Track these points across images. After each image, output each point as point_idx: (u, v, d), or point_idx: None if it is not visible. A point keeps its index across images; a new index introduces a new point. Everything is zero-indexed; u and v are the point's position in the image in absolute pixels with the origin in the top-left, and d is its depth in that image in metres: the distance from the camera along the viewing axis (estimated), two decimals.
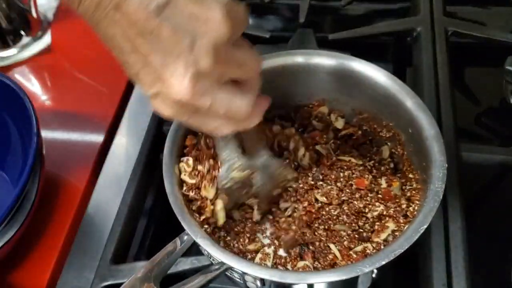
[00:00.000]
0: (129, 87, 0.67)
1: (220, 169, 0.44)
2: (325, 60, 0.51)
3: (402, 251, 0.38)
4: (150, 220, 0.58)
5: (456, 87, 0.61)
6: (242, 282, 0.43)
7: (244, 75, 0.34)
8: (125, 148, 0.61)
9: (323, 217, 0.46)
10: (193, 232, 0.40)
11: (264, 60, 0.52)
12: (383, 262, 0.37)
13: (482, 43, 0.66)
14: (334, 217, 0.46)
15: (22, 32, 0.71)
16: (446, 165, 0.42)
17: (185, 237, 0.42)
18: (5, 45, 0.70)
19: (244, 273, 0.40)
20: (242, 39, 0.34)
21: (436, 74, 0.60)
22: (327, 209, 0.46)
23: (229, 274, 0.44)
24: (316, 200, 0.47)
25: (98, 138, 0.62)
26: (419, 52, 0.63)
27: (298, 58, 0.52)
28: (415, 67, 0.63)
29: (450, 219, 0.48)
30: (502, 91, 0.60)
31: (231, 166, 0.44)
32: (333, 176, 0.48)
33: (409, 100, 0.47)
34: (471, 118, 0.64)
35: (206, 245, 0.40)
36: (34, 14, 0.70)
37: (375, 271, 0.39)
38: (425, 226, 0.39)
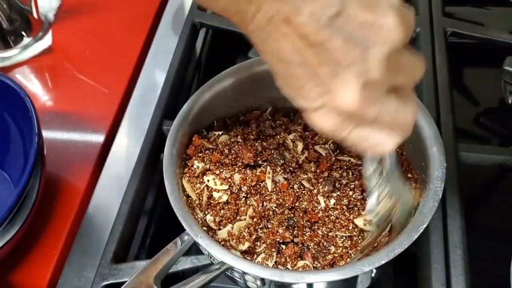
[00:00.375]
0: (130, 88, 0.67)
1: (368, 200, 0.42)
2: None
3: (402, 250, 0.38)
4: (150, 220, 0.58)
5: (455, 88, 0.61)
6: (242, 281, 0.43)
7: (410, 81, 0.32)
8: (125, 148, 0.61)
9: (323, 218, 0.46)
10: (193, 232, 0.40)
11: (263, 63, 0.52)
12: (383, 262, 0.37)
13: (481, 43, 0.66)
14: (333, 218, 0.46)
15: (23, 33, 0.71)
16: (445, 165, 0.43)
17: (186, 237, 0.42)
18: (6, 46, 0.71)
19: (245, 273, 0.40)
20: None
21: (435, 74, 0.60)
22: (326, 210, 0.47)
23: (229, 274, 0.44)
24: (317, 201, 0.47)
25: (98, 138, 0.62)
26: (418, 53, 0.63)
27: None
28: None
29: (449, 219, 0.48)
30: (501, 92, 0.60)
31: (380, 194, 0.41)
32: (332, 176, 0.49)
33: None
34: (470, 119, 0.64)
35: (207, 245, 0.40)
36: (35, 15, 0.70)
37: (375, 270, 0.39)
38: (424, 226, 0.39)
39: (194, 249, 0.48)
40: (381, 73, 0.29)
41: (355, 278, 0.40)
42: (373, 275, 0.43)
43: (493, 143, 0.63)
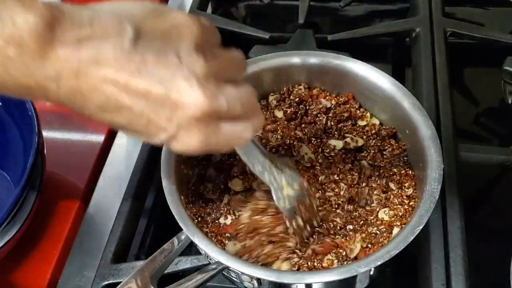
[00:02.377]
0: None
1: (273, 194, 0.43)
2: (321, 60, 0.52)
3: (398, 251, 0.38)
4: (150, 220, 0.58)
5: (455, 88, 0.61)
6: (239, 281, 0.43)
7: (238, 73, 0.34)
8: (125, 148, 0.61)
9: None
10: (190, 232, 0.41)
11: (263, 61, 0.52)
12: (378, 263, 0.38)
13: (481, 43, 0.66)
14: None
15: None
16: (443, 166, 0.43)
17: (183, 237, 0.42)
18: None
19: (241, 273, 0.40)
20: (223, 47, 0.35)
21: (435, 74, 0.60)
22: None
23: (226, 274, 0.44)
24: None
25: (98, 138, 0.62)
26: (418, 53, 0.63)
27: (295, 59, 0.52)
28: (414, 67, 0.63)
29: (449, 219, 0.48)
30: (501, 92, 0.60)
31: (281, 186, 0.43)
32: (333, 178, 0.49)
33: (405, 101, 0.47)
34: (470, 119, 0.64)
35: (203, 245, 0.40)
36: None
37: (373, 270, 0.39)
38: (421, 227, 0.39)
39: (194, 249, 0.48)
40: (202, 64, 0.30)
41: (353, 278, 0.40)
42: (371, 274, 0.43)
43: (493, 143, 0.63)
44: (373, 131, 0.51)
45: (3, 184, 0.56)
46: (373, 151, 0.50)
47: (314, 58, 0.52)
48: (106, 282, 0.48)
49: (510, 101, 0.60)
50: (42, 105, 0.65)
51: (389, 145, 0.50)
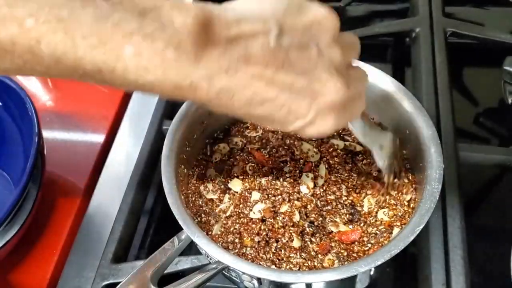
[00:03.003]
0: None
1: (374, 155, 0.45)
2: None
3: (398, 251, 0.38)
4: (150, 220, 0.58)
5: (455, 88, 0.61)
6: (239, 281, 0.43)
7: (356, 54, 0.36)
8: (125, 148, 0.61)
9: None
10: (190, 231, 0.41)
11: None
12: (379, 262, 0.38)
13: (480, 43, 0.66)
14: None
15: None
16: (443, 166, 0.43)
17: (183, 236, 0.42)
18: None
19: (241, 272, 0.40)
20: None
21: (435, 74, 0.60)
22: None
23: (226, 273, 0.44)
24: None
25: (98, 138, 0.62)
26: (418, 53, 0.63)
27: None
28: (414, 67, 0.63)
29: (449, 219, 0.48)
30: (500, 92, 0.60)
31: (381, 146, 0.45)
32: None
33: (406, 101, 0.47)
34: (469, 119, 0.64)
35: (203, 244, 0.40)
36: None
37: (373, 269, 0.39)
38: (421, 227, 0.39)
39: (194, 249, 0.48)
40: (340, 55, 0.32)
41: (354, 277, 0.40)
42: (371, 273, 0.43)
43: (492, 143, 0.63)
44: None
45: (3, 184, 0.56)
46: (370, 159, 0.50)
47: None
48: (106, 282, 0.48)
49: (510, 101, 0.60)
50: (42, 105, 0.65)
51: None
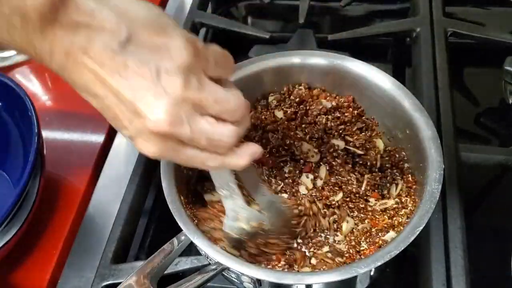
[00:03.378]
0: None
1: (225, 219, 0.43)
2: (321, 60, 0.51)
3: (398, 252, 0.38)
4: (150, 220, 0.58)
5: (455, 88, 0.61)
6: (238, 282, 0.43)
7: (225, 114, 0.34)
8: (125, 148, 0.61)
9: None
10: (190, 233, 0.40)
11: (263, 61, 0.52)
12: (378, 263, 0.38)
13: (481, 43, 0.66)
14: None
15: None
16: (443, 167, 0.43)
17: (183, 237, 0.42)
18: None
19: (241, 274, 0.40)
20: (230, 83, 0.35)
21: (436, 74, 0.60)
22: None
23: (226, 274, 0.44)
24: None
25: (98, 138, 0.62)
26: (419, 53, 0.63)
27: (295, 59, 0.52)
28: (415, 67, 0.63)
29: (450, 219, 0.48)
30: (501, 92, 0.60)
31: (237, 216, 0.43)
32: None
33: (406, 101, 0.47)
34: (470, 119, 0.64)
35: (203, 246, 0.40)
36: None
37: (374, 270, 0.39)
38: (421, 228, 0.39)
39: (194, 250, 0.48)
40: (179, 89, 0.31)
41: (354, 278, 0.40)
42: (372, 274, 0.43)
43: (493, 143, 0.63)
44: (377, 152, 0.50)
45: (3, 184, 0.56)
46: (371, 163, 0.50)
47: (314, 58, 0.52)
48: (106, 283, 0.48)
49: (510, 101, 0.60)
50: (42, 105, 0.65)
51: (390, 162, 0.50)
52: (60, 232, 0.54)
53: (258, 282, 0.41)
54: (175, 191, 0.44)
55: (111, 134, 0.62)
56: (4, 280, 0.51)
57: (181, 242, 0.42)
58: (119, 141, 0.62)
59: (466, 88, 0.68)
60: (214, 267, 0.41)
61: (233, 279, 0.44)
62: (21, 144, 0.54)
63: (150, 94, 0.31)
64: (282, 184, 0.48)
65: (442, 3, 0.68)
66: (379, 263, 0.38)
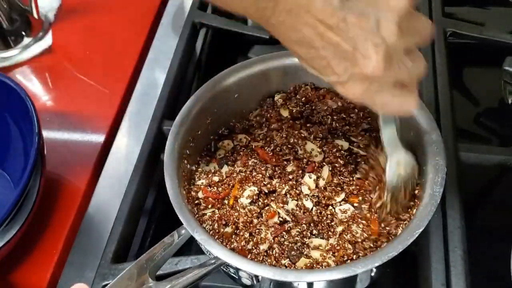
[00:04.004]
0: (130, 88, 0.67)
1: (387, 165, 0.44)
2: None
3: (396, 253, 0.38)
4: (150, 220, 0.58)
5: (455, 88, 0.61)
6: (237, 277, 0.43)
7: (422, 41, 0.35)
8: (125, 148, 0.61)
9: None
10: (190, 227, 0.41)
11: (271, 60, 0.52)
12: (376, 264, 0.38)
13: (480, 43, 0.66)
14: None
15: (23, 33, 0.71)
16: (446, 170, 0.43)
17: (183, 231, 0.42)
18: (7, 46, 0.71)
19: (239, 269, 0.40)
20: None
21: (435, 74, 0.60)
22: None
23: (225, 269, 0.44)
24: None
25: (99, 138, 0.62)
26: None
27: (295, 59, 0.52)
28: None
29: (449, 219, 0.48)
30: (500, 92, 0.60)
31: (398, 161, 0.44)
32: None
33: None
34: (470, 118, 0.64)
35: (202, 240, 0.40)
36: (35, 15, 0.70)
37: (374, 270, 0.39)
38: (421, 230, 0.39)
39: (194, 249, 0.48)
40: (396, 39, 0.32)
41: (354, 278, 0.40)
42: (372, 274, 0.43)
43: (493, 143, 0.63)
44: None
45: (4, 184, 0.56)
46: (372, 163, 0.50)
47: None
48: (106, 282, 0.48)
49: (510, 101, 0.60)
50: (42, 105, 0.65)
51: None
52: (60, 232, 0.54)
53: (256, 278, 0.41)
54: (177, 186, 0.44)
55: (111, 134, 0.62)
56: (4, 280, 0.51)
57: (181, 236, 0.42)
58: (119, 141, 0.62)
59: (465, 88, 0.68)
60: (213, 261, 0.41)
61: (232, 274, 0.44)
62: (22, 144, 0.54)
63: (369, 44, 0.32)
64: (285, 185, 0.48)
65: (441, 3, 0.68)
66: (376, 264, 0.38)
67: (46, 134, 0.60)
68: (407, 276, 0.51)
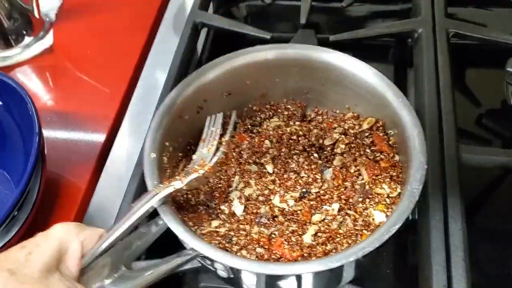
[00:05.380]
0: (131, 87, 0.67)
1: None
2: (317, 54, 0.52)
3: (371, 249, 0.38)
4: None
5: (457, 89, 0.61)
6: (213, 269, 0.43)
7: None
8: (126, 148, 0.61)
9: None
10: (167, 218, 0.41)
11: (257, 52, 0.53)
12: (351, 259, 0.38)
13: (483, 44, 0.66)
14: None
15: (24, 32, 0.71)
16: (426, 167, 0.42)
17: (160, 222, 0.42)
18: (7, 45, 0.71)
19: (213, 260, 0.40)
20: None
21: (437, 75, 0.60)
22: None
23: (202, 261, 0.44)
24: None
25: (99, 138, 0.62)
26: (420, 54, 0.63)
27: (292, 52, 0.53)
28: (416, 68, 0.63)
29: (450, 220, 0.48)
30: (503, 93, 0.60)
31: None
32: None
33: (396, 100, 0.47)
34: (472, 120, 0.64)
35: (179, 232, 0.40)
36: (36, 14, 0.70)
37: (358, 262, 0.39)
38: (397, 227, 0.39)
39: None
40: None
41: (339, 271, 0.40)
42: (355, 266, 0.43)
43: (495, 145, 0.63)
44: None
45: (4, 183, 0.56)
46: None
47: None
48: None
49: None
50: (43, 105, 0.65)
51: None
52: None
53: (231, 270, 0.41)
54: (156, 174, 0.45)
55: (112, 133, 0.62)
56: None
57: (158, 226, 0.42)
58: (120, 141, 0.62)
59: (467, 89, 0.68)
60: (190, 251, 0.41)
61: (208, 266, 0.43)
62: (22, 143, 0.54)
63: None
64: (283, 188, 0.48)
65: (444, 4, 0.68)
66: (351, 259, 0.38)
67: (47, 133, 0.60)
68: (407, 277, 0.51)
